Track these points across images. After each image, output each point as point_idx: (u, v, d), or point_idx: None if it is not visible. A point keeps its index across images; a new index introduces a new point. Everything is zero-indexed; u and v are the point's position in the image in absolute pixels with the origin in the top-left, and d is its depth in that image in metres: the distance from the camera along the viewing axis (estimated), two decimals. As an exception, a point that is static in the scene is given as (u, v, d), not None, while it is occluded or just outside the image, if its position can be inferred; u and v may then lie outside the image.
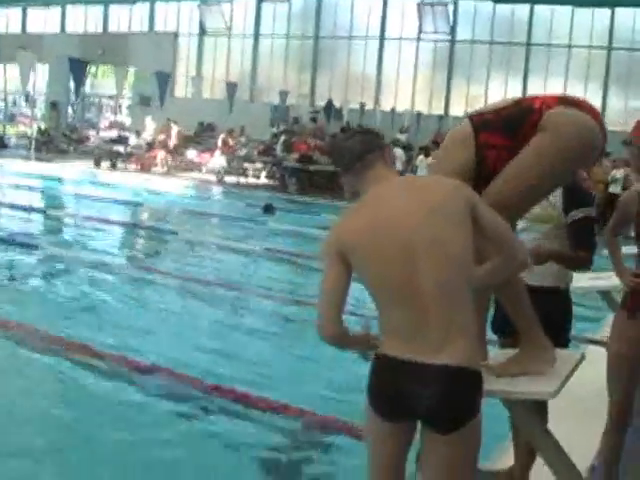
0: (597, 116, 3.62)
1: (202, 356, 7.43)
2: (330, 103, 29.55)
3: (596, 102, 27.56)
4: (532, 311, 3.60)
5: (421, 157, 24.60)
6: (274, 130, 29.63)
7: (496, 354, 3.87)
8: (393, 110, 29.52)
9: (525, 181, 3.51)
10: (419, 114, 29.59)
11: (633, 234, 4.50)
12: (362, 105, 30.02)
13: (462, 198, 3.07)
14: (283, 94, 29.35)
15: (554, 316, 4.15)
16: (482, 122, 3.63)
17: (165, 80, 24.22)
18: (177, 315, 9.10)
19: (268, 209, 17.98)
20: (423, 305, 2.94)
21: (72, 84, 23.96)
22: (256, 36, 34.76)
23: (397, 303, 2.99)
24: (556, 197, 4.34)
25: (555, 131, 3.49)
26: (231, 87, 27.57)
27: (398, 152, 24.49)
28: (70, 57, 23.41)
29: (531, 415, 3.50)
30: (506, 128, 3.57)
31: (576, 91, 27.95)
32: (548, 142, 3.49)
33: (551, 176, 3.59)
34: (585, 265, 4.49)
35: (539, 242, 4.33)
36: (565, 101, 3.64)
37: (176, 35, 36.52)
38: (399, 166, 24.15)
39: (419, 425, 3.05)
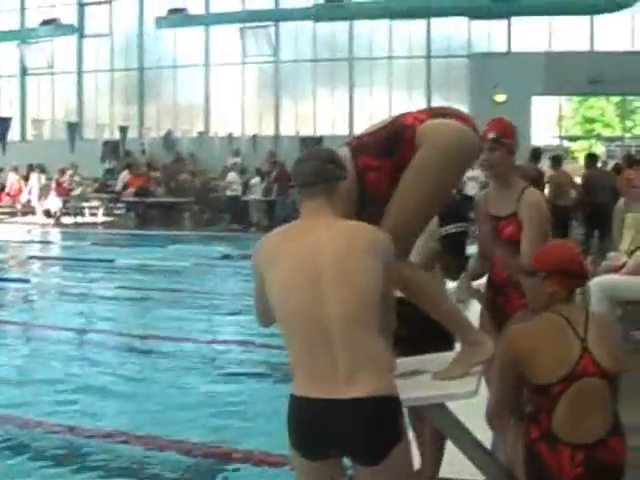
0: (468, 121, 3.70)
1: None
2: (169, 133, 29.19)
3: (421, 107, 28.32)
4: (460, 313, 3.74)
5: (256, 179, 24.70)
6: (107, 166, 29.10)
7: (428, 357, 3.97)
8: (230, 135, 29.49)
9: (418, 201, 3.54)
10: (254, 136, 29.68)
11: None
12: (200, 134, 29.84)
13: (379, 251, 3.07)
14: (123, 129, 28.53)
15: None
16: (359, 146, 3.64)
17: (6, 125, 23.33)
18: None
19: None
20: (329, 338, 2.92)
21: None
22: (79, 72, 34.14)
23: (302, 336, 2.97)
24: None
25: (432, 143, 3.54)
26: (72, 127, 26.84)
27: (232, 176, 24.58)
28: None
29: (445, 410, 3.57)
30: (383, 149, 3.59)
31: (401, 99, 28.84)
32: (428, 155, 3.53)
33: (440, 187, 3.65)
34: (460, 274, 4.77)
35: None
36: (436, 113, 3.72)
37: (-4, 77, 35.52)
38: (238, 189, 24.27)
39: None
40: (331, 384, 2.88)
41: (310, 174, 3.14)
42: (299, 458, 2.99)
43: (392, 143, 3.60)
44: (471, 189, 19.04)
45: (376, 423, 2.88)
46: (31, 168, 28.56)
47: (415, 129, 3.58)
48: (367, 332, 2.96)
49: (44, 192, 27.01)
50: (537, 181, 13.28)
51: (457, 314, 3.75)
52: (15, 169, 28.48)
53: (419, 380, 3.63)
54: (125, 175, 25.94)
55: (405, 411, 4.14)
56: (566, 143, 29.51)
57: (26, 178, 28.23)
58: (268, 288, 3.06)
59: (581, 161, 30.82)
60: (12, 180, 28.00)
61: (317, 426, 2.91)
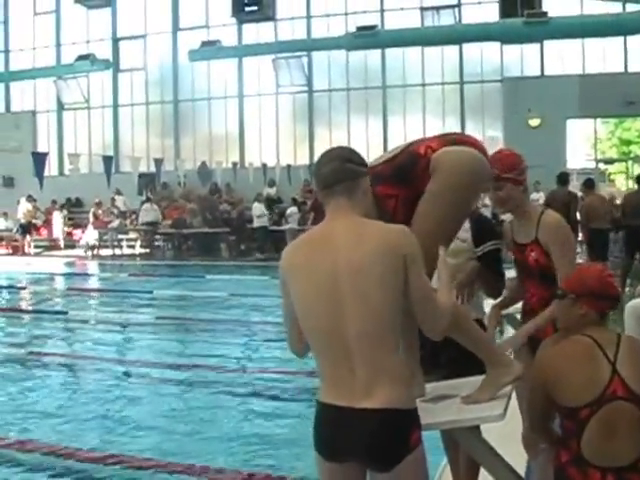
0: (480, 147, 3.83)
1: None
2: (204, 165, 29.32)
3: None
4: (486, 338, 3.81)
5: (293, 208, 24.82)
6: (143, 198, 29.41)
7: (459, 382, 3.99)
8: (264, 165, 29.65)
9: (433, 225, 3.64)
10: (289, 166, 29.82)
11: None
12: (235, 164, 29.96)
13: (397, 257, 3.07)
14: (158, 161, 28.59)
15: None
16: (374, 176, 3.66)
17: (42, 160, 23.56)
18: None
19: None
20: (348, 353, 3.05)
21: None
22: (115, 106, 34.54)
23: (325, 349, 3.13)
24: (467, 232, 4.62)
25: (444, 171, 3.65)
26: (108, 160, 27.07)
27: (256, 207, 24.84)
28: None
29: (477, 436, 3.61)
30: (397, 178, 3.70)
31: (435, 126, 28.83)
32: (442, 183, 3.65)
33: (454, 212, 3.75)
34: (500, 291, 4.84)
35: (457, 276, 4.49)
36: (447, 141, 3.80)
37: (34, 113, 35.97)
38: (264, 220, 24.49)
39: None
40: (350, 394, 3.04)
41: (328, 176, 3.23)
42: (321, 460, 3.17)
43: (406, 172, 3.72)
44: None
45: (386, 432, 3.02)
46: (54, 204, 29.11)
47: (429, 158, 3.70)
48: (384, 349, 3.08)
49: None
50: (567, 205, 13.26)
51: (481, 337, 3.79)
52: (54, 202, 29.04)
53: (448, 404, 3.65)
54: (147, 207, 26.28)
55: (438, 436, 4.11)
56: (602, 166, 29.28)
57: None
58: (293, 300, 3.18)
59: (618, 184, 30.71)
60: (24, 209, 28.38)
61: (334, 431, 3.08)
